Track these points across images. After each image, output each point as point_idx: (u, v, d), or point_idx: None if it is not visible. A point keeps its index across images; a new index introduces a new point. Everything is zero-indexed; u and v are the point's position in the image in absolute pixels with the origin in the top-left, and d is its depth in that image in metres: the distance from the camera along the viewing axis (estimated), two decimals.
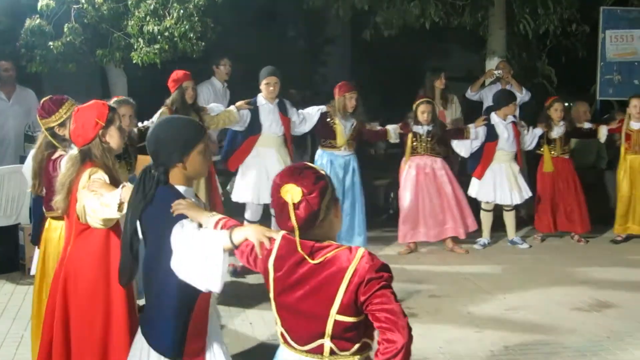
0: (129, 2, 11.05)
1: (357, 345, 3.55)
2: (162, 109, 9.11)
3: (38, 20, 10.87)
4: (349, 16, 13.65)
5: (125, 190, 4.57)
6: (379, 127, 10.85)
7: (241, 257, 3.85)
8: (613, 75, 13.44)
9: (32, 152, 6.47)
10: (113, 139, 5.21)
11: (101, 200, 4.76)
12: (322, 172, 3.62)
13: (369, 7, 12.93)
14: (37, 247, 6.41)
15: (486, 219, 10.99)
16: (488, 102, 12.25)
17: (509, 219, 11.01)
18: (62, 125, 5.92)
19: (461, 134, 10.65)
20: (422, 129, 10.30)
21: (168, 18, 11.03)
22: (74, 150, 5.24)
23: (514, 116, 10.94)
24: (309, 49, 16.97)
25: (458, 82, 13.75)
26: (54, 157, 5.87)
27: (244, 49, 13.77)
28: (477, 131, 10.64)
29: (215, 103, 10.35)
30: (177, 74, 9.20)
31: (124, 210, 4.51)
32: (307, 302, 3.53)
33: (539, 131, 10.98)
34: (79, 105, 5.53)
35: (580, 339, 7.22)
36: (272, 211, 4.98)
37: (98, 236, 5.05)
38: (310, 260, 3.50)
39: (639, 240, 11.19)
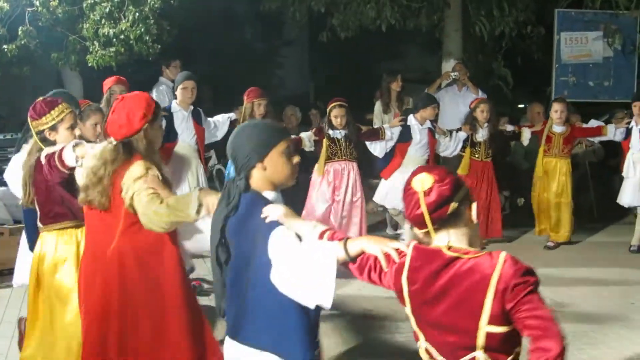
0: (84, 5, 11.06)
1: (511, 357, 3.35)
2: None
3: None
4: (306, 19, 13.74)
5: (203, 193, 4.35)
6: (293, 136, 10.12)
7: (359, 272, 3.62)
8: (568, 77, 13.51)
9: (16, 157, 6.20)
10: (156, 136, 4.95)
11: (168, 203, 4.45)
12: (453, 174, 3.48)
13: (326, 9, 13.04)
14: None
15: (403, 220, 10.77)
16: (444, 104, 12.38)
17: None
18: (53, 129, 5.53)
19: (377, 135, 10.33)
20: (339, 134, 9.93)
21: (123, 21, 11.08)
22: (105, 144, 4.85)
23: (432, 122, 10.71)
24: (266, 51, 16.98)
25: (415, 84, 13.84)
26: (42, 157, 5.45)
27: (201, 51, 13.79)
28: (392, 131, 10.39)
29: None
30: (109, 78, 9.03)
31: (202, 214, 4.31)
32: (452, 315, 3.33)
33: (463, 135, 10.80)
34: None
35: None
36: None
37: (150, 232, 4.68)
38: (449, 272, 3.33)
39: (594, 241, 11.37)
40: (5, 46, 10.88)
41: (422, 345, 3.48)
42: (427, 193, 3.35)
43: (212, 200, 4.20)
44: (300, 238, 3.66)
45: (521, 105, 13.08)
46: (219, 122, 9.84)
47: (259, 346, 3.78)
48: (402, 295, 3.47)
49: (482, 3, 13.41)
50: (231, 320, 3.92)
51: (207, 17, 13.46)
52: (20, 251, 6.58)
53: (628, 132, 10.81)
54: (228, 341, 3.92)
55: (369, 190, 10.83)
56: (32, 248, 6.16)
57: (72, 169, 5.16)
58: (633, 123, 10.77)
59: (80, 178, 4.95)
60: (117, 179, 4.64)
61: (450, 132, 10.85)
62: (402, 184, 9.62)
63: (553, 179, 10.91)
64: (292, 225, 3.71)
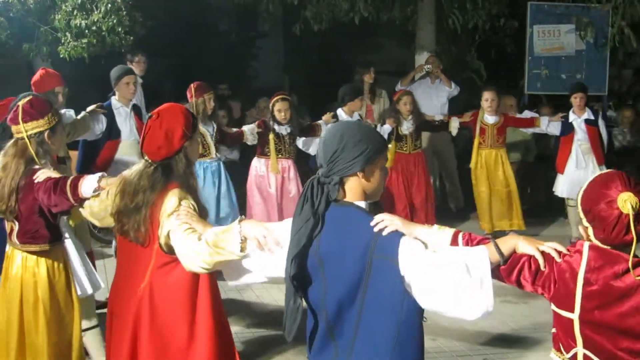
0: None
1: None
2: None
3: None
4: (279, 11, 13.79)
5: (245, 225, 3.72)
6: (235, 130, 10.15)
7: (507, 273, 3.43)
8: (541, 70, 13.60)
9: None
10: (195, 151, 4.62)
11: (207, 240, 3.88)
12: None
13: (299, 1, 13.05)
14: None
15: None
16: (417, 97, 12.45)
17: None
18: (52, 130, 5.13)
19: (314, 131, 10.15)
20: (284, 130, 9.80)
21: (96, 12, 11.02)
22: (144, 164, 4.50)
23: (360, 115, 10.78)
24: (241, 43, 16.97)
25: (390, 77, 13.87)
26: (36, 177, 4.96)
27: (175, 44, 13.78)
28: (327, 127, 9.91)
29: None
30: (48, 72, 8.35)
31: (247, 250, 3.71)
32: (633, 319, 3.23)
33: (388, 128, 10.71)
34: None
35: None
36: None
37: (184, 272, 4.23)
38: (635, 277, 3.21)
39: (529, 233, 11.20)
40: None
41: (580, 351, 3.37)
42: (636, 218, 3.20)
43: (259, 231, 3.65)
44: (426, 246, 3.36)
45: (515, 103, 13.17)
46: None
47: None
48: (569, 297, 3.34)
49: None
50: (328, 355, 3.49)
51: (181, 9, 13.45)
52: None
53: (566, 128, 10.93)
54: None
55: None
56: None
57: (84, 200, 4.81)
58: (574, 116, 10.92)
59: (97, 206, 4.76)
60: (155, 211, 4.34)
61: (375, 125, 10.75)
62: None
63: (497, 170, 11.01)
64: (414, 232, 3.42)
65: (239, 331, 7.48)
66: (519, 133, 12.32)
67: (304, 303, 3.51)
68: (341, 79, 12.48)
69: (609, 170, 3.43)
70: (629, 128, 13.47)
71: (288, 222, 3.59)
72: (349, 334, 3.39)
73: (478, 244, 3.41)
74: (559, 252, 3.37)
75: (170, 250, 4.25)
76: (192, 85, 9.31)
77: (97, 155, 8.77)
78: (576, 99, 10.89)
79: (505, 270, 3.39)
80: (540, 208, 13.01)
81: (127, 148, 8.75)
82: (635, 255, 3.23)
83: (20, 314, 5.14)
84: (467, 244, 3.44)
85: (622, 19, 12.42)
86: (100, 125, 8.77)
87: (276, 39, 17.26)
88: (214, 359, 4.51)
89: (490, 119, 11.00)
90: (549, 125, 11.03)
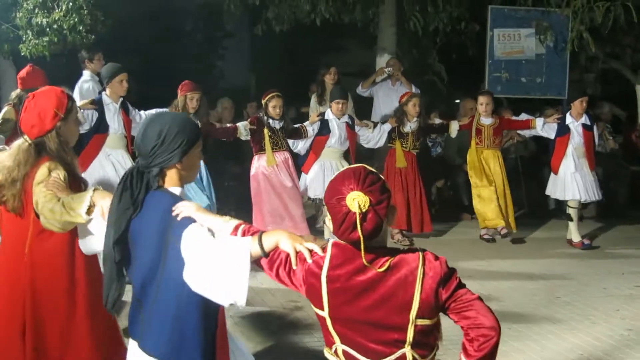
0: None
1: (434, 351, 3.38)
2: (6, 108, 8.86)
3: None
4: (240, 11, 13.77)
5: (98, 194, 4.12)
6: (229, 125, 10.60)
7: (269, 267, 3.47)
8: (501, 73, 13.65)
9: None
10: (71, 131, 4.76)
11: (63, 202, 4.26)
12: (382, 177, 3.36)
13: (261, 2, 13.11)
14: None
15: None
16: (378, 99, 12.69)
17: None
18: None
19: (299, 134, 10.47)
20: (277, 124, 10.15)
21: (57, 10, 11.03)
22: (21, 142, 4.69)
23: (350, 116, 10.89)
24: (207, 43, 16.95)
25: (353, 78, 13.86)
26: None
27: (138, 43, 13.78)
28: (313, 128, 10.56)
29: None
30: (34, 69, 8.83)
31: (93, 214, 4.09)
32: (379, 311, 3.27)
33: (387, 127, 10.97)
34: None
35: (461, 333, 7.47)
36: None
37: (62, 235, 4.59)
38: (375, 269, 3.25)
39: (523, 235, 11.57)
40: None
41: (339, 347, 3.39)
42: (363, 218, 3.20)
43: (108, 202, 3.89)
44: (213, 234, 3.52)
45: (457, 101, 13.24)
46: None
47: (152, 354, 3.60)
48: (317, 295, 3.37)
49: (415, 1, 13.51)
50: (137, 325, 3.69)
51: (145, 8, 13.44)
52: None
53: (562, 130, 10.98)
54: (133, 345, 3.72)
55: None
56: None
57: None
58: (571, 119, 10.97)
59: None
60: (29, 183, 4.54)
61: (375, 123, 11.01)
62: (320, 173, 9.63)
63: (492, 170, 11.13)
64: (205, 220, 3.55)
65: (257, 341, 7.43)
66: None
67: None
68: (306, 80, 12.56)
69: (355, 165, 3.43)
70: None
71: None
72: (148, 308, 3.58)
73: (252, 235, 3.47)
74: (312, 252, 3.39)
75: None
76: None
77: (81, 149, 8.69)
78: (582, 103, 10.96)
79: (267, 263, 3.46)
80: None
81: (114, 141, 9.07)
82: (373, 250, 3.27)
83: None
84: (243, 234, 3.51)
85: (581, 24, 12.47)
86: (89, 120, 8.99)
87: (242, 40, 17.14)
88: (92, 322, 4.79)
89: (486, 120, 11.15)
90: (544, 127, 11.14)
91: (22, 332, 4.74)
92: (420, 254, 3.28)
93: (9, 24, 11.22)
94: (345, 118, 10.56)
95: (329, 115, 10.50)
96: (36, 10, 11.04)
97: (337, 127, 10.45)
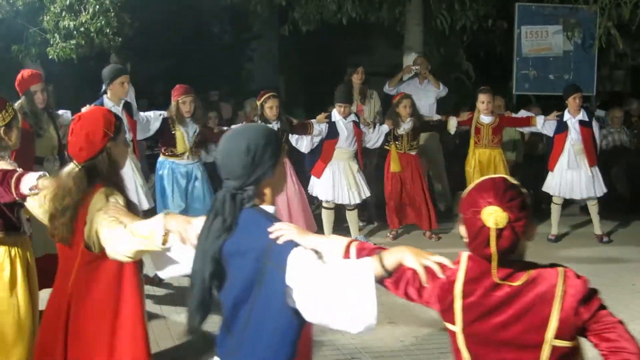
0: None
1: None
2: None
3: None
4: (267, 12, 13.86)
5: (169, 219, 3.85)
6: (225, 128, 9.93)
7: (395, 288, 3.39)
8: (529, 71, 13.67)
9: None
10: (121, 153, 4.55)
11: (133, 230, 3.99)
12: (524, 191, 3.23)
13: (288, 2, 13.15)
14: None
15: (327, 217, 10.76)
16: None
17: (352, 217, 10.79)
18: (8, 127, 5.15)
19: (305, 129, 10.31)
20: (274, 126, 9.71)
21: (84, 13, 11.12)
22: (70, 167, 4.47)
23: (356, 115, 10.88)
24: (235, 45, 16.99)
25: (381, 77, 13.85)
26: None
27: (166, 45, 13.84)
28: (320, 127, 10.44)
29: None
30: (23, 74, 8.35)
31: (169, 243, 3.84)
32: (512, 329, 3.17)
33: (385, 128, 10.97)
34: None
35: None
36: None
37: (109, 268, 4.37)
38: (510, 284, 3.17)
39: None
40: None
41: None
42: (499, 233, 3.10)
43: (182, 225, 3.76)
44: (319, 256, 3.33)
45: (487, 101, 13.20)
46: (151, 118, 9.53)
47: None
48: (450, 310, 3.29)
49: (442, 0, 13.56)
50: (225, 348, 3.53)
51: (171, 10, 13.50)
52: None
53: (560, 127, 11.00)
54: None
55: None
56: None
57: (24, 197, 4.75)
58: (569, 116, 11.00)
59: (37, 207, 4.71)
60: (82, 211, 4.30)
61: (375, 123, 10.97)
62: (330, 177, 10.04)
63: (489, 169, 11.03)
64: (308, 242, 3.37)
65: None
66: (507, 134, 12.39)
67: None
68: (334, 79, 12.55)
69: (495, 176, 3.29)
70: (618, 128, 13.55)
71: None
72: (240, 330, 3.42)
73: (369, 254, 3.37)
74: (442, 266, 3.28)
75: (96, 248, 4.25)
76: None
77: None
78: (575, 100, 10.98)
79: (391, 283, 3.36)
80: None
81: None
82: (513, 263, 3.18)
83: None
84: (358, 253, 3.41)
85: (609, 20, 12.43)
86: None
87: (270, 41, 17.25)
88: (136, 351, 4.50)
89: (485, 119, 11.14)
90: (545, 125, 11.15)
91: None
92: (561, 270, 3.16)
93: (36, 27, 11.34)
94: (352, 117, 10.53)
95: (336, 116, 10.49)
96: (63, 13, 11.14)
97: (344, 127, 10.41)
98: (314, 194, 10.70)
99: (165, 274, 4.09)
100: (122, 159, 4.56)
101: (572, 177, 10.93)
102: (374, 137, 10.86)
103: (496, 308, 3.17)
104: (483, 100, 11.11)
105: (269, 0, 13.32)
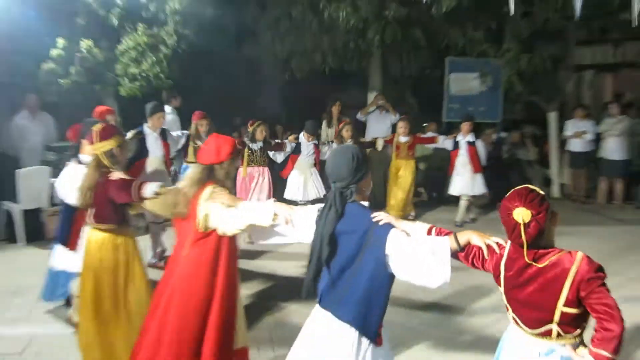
0: (117, 52, 11.28)
1: (578, 330, 3.24)
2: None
3: (52, 65, 10.97)
4: (272, 64, 13.93)
5: (278, 205, 3.97)
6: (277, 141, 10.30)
7: (465, 258, 3.48)
8: (455, 105, 13.73)
9: (66, 170, 5.71)
10: (232, 171, 4.45)
11: (247, 209, 4.06)
12: (542, 192, 3.25)
13: (287, 57, 13.18)
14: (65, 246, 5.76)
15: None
16: (370, 123, 12.61)
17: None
18: (120, 147, 4.97)
19: (281, 147, 9.99)
20: (256, 146, 9.55)
21: (145, 63, 11.26)
22: (192, 168, 4.48)
23: (316, 138, 10.62)
24: (250, 85, 16.89)
25: (351, 109, 13.62)
26: (112, 177, 4.85)
27: (201, 87, 13.82)
28: (291, 145, 10.12)
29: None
30: (100, 109, 8.07)
31: (277, 221, 3.92)
32: (537, 296, 3.22)
33: (335, 146, 10.05)
34: None
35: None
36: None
37: (212, 243, 4.25)
38: (537, 265, 3.20)
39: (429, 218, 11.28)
40: (61, 81, 10.99)
41: (510, 315, 3.40)
42: (527, 226, 3.16)
43: (287, 211, 3.91)
44: (408, 234, 3.43)
45: (424, 124, 13.26)
46: (179, 136, 9.27)
47: (344, 319, 3.48)
48: (498, 278, 3.38)
49: (394, 53, 13.56)
50: (330, 299, 3.54)
51: (206, 62, 13.49)
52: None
53: (455, 145, 10.93)
54: (319, 309, 3.60)
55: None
56: (62, 239, 5.85)
57: (143, 199, 4.70)
58: (461, 137, 10.91)
59: (164, 198, 4.60)
60: (196, 199, 4.25)
61: (330, 142, 10.79)
62: (295, 178, 9.70)
63: (403, 175, 11.01)
64: (400, 226, 3.47)
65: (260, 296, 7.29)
66: (422, 150, 12.46)
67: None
68: (320, 110, 12.49)
69: (520, 187, 3.29)
70: (516, 145, 13.72)
71: (308, 208, 3.87)
72: (343, 288, 3.48)
73: (445, 235, 3.46)
74: (499, 245, 3.38)
75: (205, 228, 4.22)
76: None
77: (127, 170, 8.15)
78: (465, 125, 10.94)
79: (463, 256, 3.46)
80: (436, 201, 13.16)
81: (154, 162, 8.33)
82: (538, 249, 3.21)
83: (113, 282, 4.92)
84: (437, 234, 3.49)
85: (511, 70, 12.58)
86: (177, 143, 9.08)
87: (274, 83, 16.74)
88: (224, 310, 4.31)
89: (403, 139, 11.04)
90: (444, 142, 11.08)
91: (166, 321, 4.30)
92: (579, 256, 3.15)
93: (112, 73, 11.41)
94: (314, 141, 10.36)
95: (302, 139, 10.26)
96: (130, 63, 11.25)
97: (306, 147, 10.28)
98: (288, 198, 10.21)
99: (270, 242, 4.10)
100: (231, 175, 4.49)
101: (461, 179, 10.87)
102: (327, 153, 10.29)
103: (525, 282, 3.24)
104: (401, 125, 11.09)
105: (274, 55, 13.34)
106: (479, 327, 6.43)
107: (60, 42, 11.00)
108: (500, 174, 12.45)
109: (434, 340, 6.07)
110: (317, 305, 3.62)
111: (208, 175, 4.33)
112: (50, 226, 9.42)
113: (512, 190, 3.27)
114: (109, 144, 4.87)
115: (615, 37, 14.72)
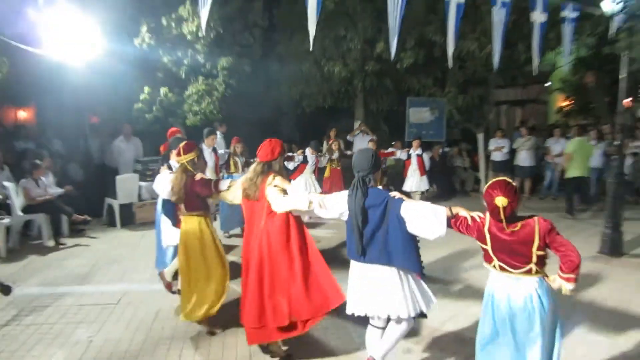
0: (185, 96, 11.25)
1: (546, 266, 3.19)
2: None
3: (140, 105, 10.99)
4: (288, 101, 13.81)
5: (312, 194, 3.86)
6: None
7: (454, 224, 3.38)
8: (413, 129, 13.55)
9: (161, 175, 5.34)
10: (282, 164, 4.26)
11: (291, 198, 3.97)
12: (515, 184, 3.18)
13: (299, 97, 13.15)
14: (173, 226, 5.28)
15: None
16: (356, 143, 12.54)
17: None
18: (199, 157, 4.78)
19: (291, 159, 9.42)
20: (238, 159, 8.68)
21: (203, 103, 11.22)
22: (255, 164, 4.27)
23: (318, 153, 9.88)
24: (272, 117, 16.72)
25: (343, 132, 13.54)
26: (197, 178, 4.69)
27: (239, 118, 13.74)
28: (299, 158, 9.52)
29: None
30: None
31: (312, 207, 3.79)
32: (517, 246, 3.14)
33: (326, 157, 10.05)
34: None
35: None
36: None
37: (281, 216, 4.05)
38: (513, 230, 3.15)
39: None
40: (146, 115, 10.92)
41: (496, 263, 3.25)
42: (504, 209, 3.10)
43: (320, 198, 3.78)
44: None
45: (392, 143, 13.17)
46: (225, 153, 9.20)
47: (392, 264, 3.46)
48: (484, 239, 3.27)
49: (372, 95, 13.44)
50: (373, 252, 3.49)
51: (245, 101, 13.43)
52: (163, 224, 5.46)
53: (408, 156, 10.66)
54: (361, 266, 3.54)
55: None
56: (174, 223, 5.32)
57: (220, 191, 4.59)
58: (412, 151, 10.65)
59: (234, 189, 4.46)
60: (262, 184, 4.14)
61: (323, 155, 10.30)
62: (301, 185, 8.88)
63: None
64: (410, 199, 3.47)
65: None
66: (389, 160, 12.28)
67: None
68: (322, 134, 12.46)
69: (499, 179, 3.22)
70: (456, 157, 13.71)
71: (337, 194, 3.74)
72: (379, 246, 3.47)
73: (444, 206, 3.44)
74: (480, 217, 3.32)
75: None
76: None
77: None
78: (415, 142, 10.67)
79: (453, 222, 3.39)
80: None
81: (208, 170, 8.14)
82: (512, 219, 3.16)
83: (201, 251, 4.72)
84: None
85: (451, 105, 12.55)
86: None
87: (289, 114, 16.56)
88: (307, 267, 4.08)
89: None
90: (400, 154, 10.75)
91: (263, 272, 4.16)
92: (536, 218, 3.15)
93: (181, 110, 11.34)
94: (316, 154, 9.78)
95: (308, 153, 9.70)
96: (193, 104, 11.21)
97: (311, 159, 9.67)
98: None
99: (313, 217, 4.08)
100: (282, 166, 4.29)
101: (412, 180, 10.54)
102: (323, 162, 10.02)
103: (506, 239, 3.19)
104: (370, 145, 10.67)
105: (290, 97, 13.31)
106: (464, 280, 6.25)
107: (146, 89, 10.93)
108: (444, 176, 12.54)
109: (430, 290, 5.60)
110: (358, 264, 3.56)
111: (268, 168, 4.21)
112: (139, 215, 9.35)
113: (494, 181, 3.20)
114: (191, 155, 4.75)
115: (522, 82, 14.70)
